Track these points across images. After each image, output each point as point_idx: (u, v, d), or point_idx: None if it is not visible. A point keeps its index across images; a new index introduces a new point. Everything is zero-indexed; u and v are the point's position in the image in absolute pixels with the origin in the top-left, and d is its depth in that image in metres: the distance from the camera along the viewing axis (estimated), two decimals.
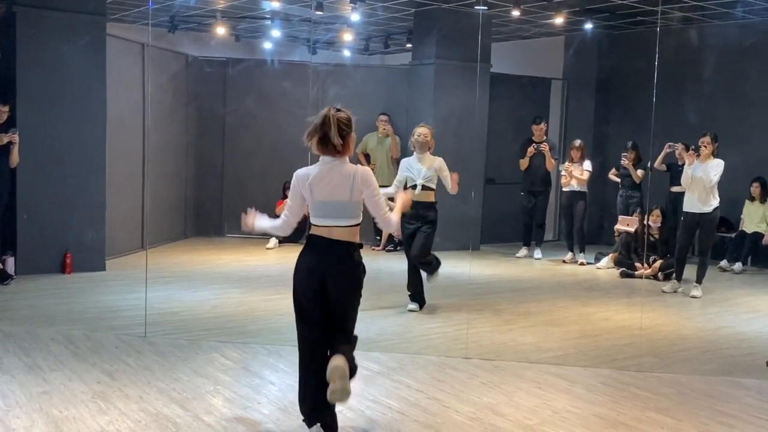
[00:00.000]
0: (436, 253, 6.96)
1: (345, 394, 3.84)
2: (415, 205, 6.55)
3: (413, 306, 6.96)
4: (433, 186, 6.79)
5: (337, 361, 3.83)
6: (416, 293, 7.00)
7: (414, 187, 6.62)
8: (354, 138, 4.06)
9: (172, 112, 10.69)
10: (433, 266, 6.93)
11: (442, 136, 8.33)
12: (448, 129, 10.08)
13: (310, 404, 4.03)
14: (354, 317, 4.11)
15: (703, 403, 4.87)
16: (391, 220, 4.23)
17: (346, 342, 4.01)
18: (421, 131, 6.79)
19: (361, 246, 4.10)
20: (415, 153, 6.81)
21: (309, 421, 4.05)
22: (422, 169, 6.72)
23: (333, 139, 3.90)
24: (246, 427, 4.21)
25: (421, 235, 6.75)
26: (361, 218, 4.07)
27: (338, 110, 3.98)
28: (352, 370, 3.94)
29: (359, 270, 4.05)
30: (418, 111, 10.54)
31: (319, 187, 3.99)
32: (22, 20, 7.81)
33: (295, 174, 4.09)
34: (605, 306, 7.60)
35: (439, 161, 6.78)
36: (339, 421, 4.33)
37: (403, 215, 6.52)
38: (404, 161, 6.94)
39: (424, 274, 6.97)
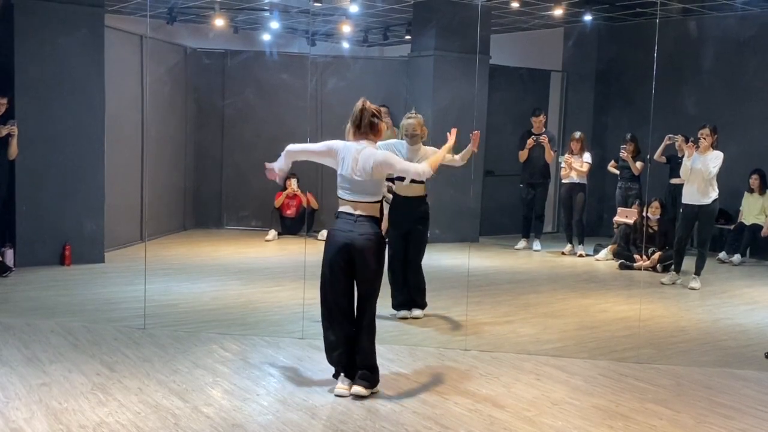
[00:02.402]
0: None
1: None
2: (405, 200, 6.32)
3: (404, 312, 6.47)
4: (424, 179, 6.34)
5: (358, 391, 4.58)
6: (405, 298, 6.48)
7: (402, 179, 6.18)
8: (384, 126, 4.73)
9: (170, 103, 10.67)
10: (424, 296, 6.52)
11: (440, 127, 8.31)
12: (447, 121, 9.99)
13: (335, 360, 4.67)
14: (378, 284, 4.70)
15: (701, 394, 4.88)
16: (418, 169, 4.82)
17: (368, 335, 4.67)
18: (408, 125, 6.28)
19: (380, 219, 4.71)
20: (406, 144, 6.33)
21: (335, 373, 4.70)
22: (413, 160, 6.19)
23: (364, 128, 4.63)
24: (245, 419, 4.21)
25: (418, 235, 6.36)
26: (382, 196, 4.70)
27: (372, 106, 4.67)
28: (375, 383, 4.67)
29: (381, 242, 4.66)
30: (417, 103, 10.50)
31: (347, 163, 4.62)
32: (20, 11, 7.78)
33: (333, 142, 4.75)
34: (604, 298, 7.61)
35: (431, 150, 6.25)
36: (337, 413, 4.36)
37: (393, 213, 6.33)
38: (393, 143, 6.34)
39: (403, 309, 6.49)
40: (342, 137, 4.82)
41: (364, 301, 4.67)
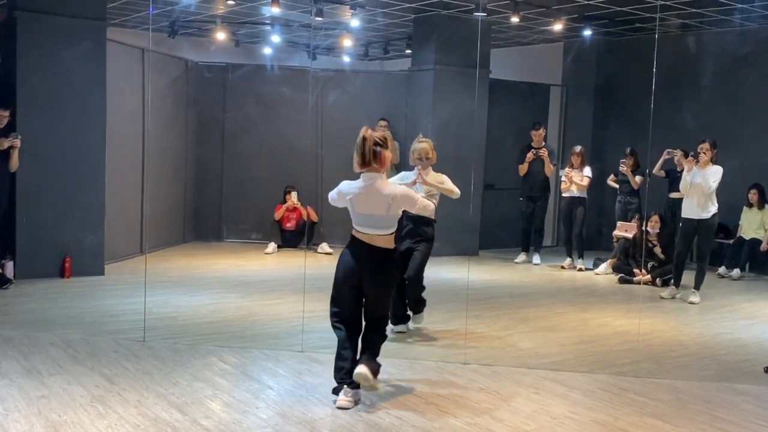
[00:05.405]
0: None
1: (372, 389, 4.67)
2: (414, 220, 6.21)
3: (401, 327, 6.46)
4: (435, 201, 6.13)
5: (361, 369, 4.54)
6: (401, 315, 6.46)
7: None
8: (389, 155, 4.68)
9: (171, 117, 10.70)
10: (423, 305, 6.53)
11: (441, 141, 8.34)
12: (447, 135, 10.11)
13: (341, 373, 4.66)
14: (388, 305, 4.87)
15: (700, 408, 4.88)
16: (428, 206, 4.90)
17: (376, 332, 4.77)
18: (421, 148, 6.16)
19: (395, 249, 4.77)
20: (416, 168, 6.16)
21: (337, 387, 4.70)
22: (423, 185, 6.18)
23: (368, 161, 4.61)
24: None
25: (418, 254, 6.31)
26: (396, 226, 4.72)
27: (379, 133, 4.69)
28: (376, 371, 4.65)
29: (393, 270, 4.78)
30: (417, 117, 10.57)
31: (359, 203, 4.64)
32: (22, 25, 7.83)
33: (341, 185, 4.78)
34: (603, 312, 7.61)
35: (438, 177, 6.22)
36: (337, 426, 4.36)
37: (399, 232, 6.21)
38: (403, 175, 6.26)
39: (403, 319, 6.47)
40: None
41: (376, 314, 4.75)
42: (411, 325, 6.53)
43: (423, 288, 6.50)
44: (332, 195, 4.88)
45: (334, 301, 4.78)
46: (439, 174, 6.33)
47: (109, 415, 4.35)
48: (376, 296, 4.73)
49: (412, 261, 6.33)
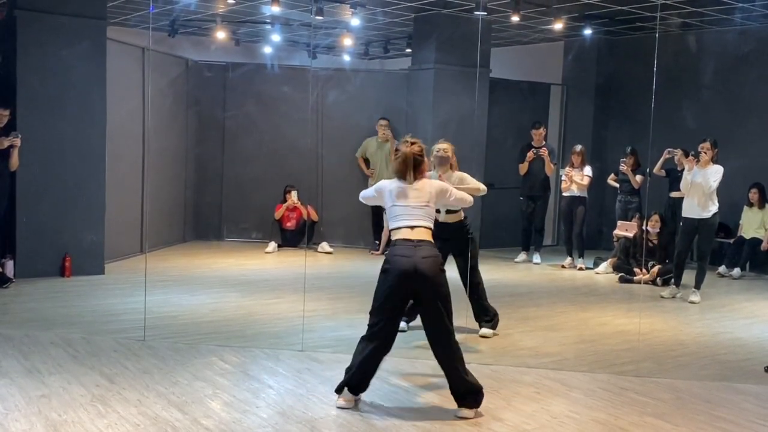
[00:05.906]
0: None
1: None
2: (444, 228, 6.10)
3: (401, 326, 6.18)
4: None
5: (464, 414, 4.55)
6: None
7: (437, 211, 5.86)
8: (427, 165, 4.87)
9: (172, 116, 10.70)
10: (492, 315, 6.49)
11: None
12: (447, 134, 10.01)
13: (352, 379, 4.60)
14: (450, 305, 4.65)
15: (700, 408, 4.88)
16: (464, 197, 5.08)
17: (452, 361, 4.63)
18: (442, 147, 6.08)
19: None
20: (434, 171, 6.02)
21: (338, 388, 4.64)
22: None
23: (409, 177, 4.74)
24: (244, 431, 4.21)
25: (467, 259, 6.33)
26: (434, 221, 4.78)
27: (412, 143, 4.77)
28: (478, 404, 4.61)
29: (442, 262, 4.69)
30: (418, 116, 10.57)
31: (399, 195, 4.73)
32: (22, 24, 7.82)
33: (378, 184, 4.92)
34: (604, 311, 7.61)
35: (458, 176, 6.12)
36: (337, 426, 4.35)
37: (437, 241, 6.01)
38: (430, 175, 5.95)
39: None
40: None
41: (440, 324, 4.57)
42: (482, 330, 6.43)
43: (482, 290, 6.48)
44: (367, 193, 5.01)
45: (376, 318, 4.59)
46: (459, 173, 6.21)
47: (110, 415, 4.35)
48: (437, 296, 4.54)
49: (464, 269, 6.35)
